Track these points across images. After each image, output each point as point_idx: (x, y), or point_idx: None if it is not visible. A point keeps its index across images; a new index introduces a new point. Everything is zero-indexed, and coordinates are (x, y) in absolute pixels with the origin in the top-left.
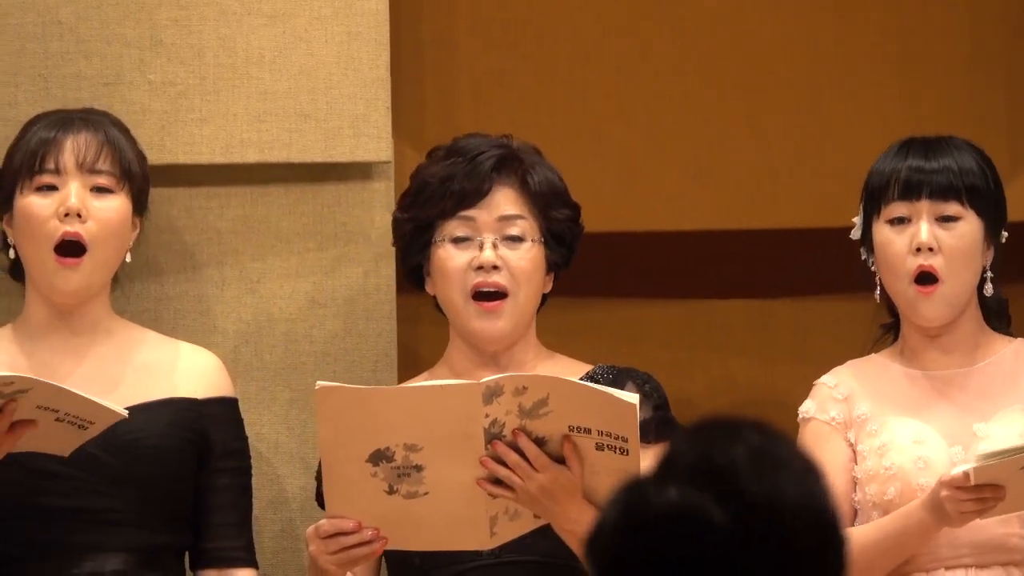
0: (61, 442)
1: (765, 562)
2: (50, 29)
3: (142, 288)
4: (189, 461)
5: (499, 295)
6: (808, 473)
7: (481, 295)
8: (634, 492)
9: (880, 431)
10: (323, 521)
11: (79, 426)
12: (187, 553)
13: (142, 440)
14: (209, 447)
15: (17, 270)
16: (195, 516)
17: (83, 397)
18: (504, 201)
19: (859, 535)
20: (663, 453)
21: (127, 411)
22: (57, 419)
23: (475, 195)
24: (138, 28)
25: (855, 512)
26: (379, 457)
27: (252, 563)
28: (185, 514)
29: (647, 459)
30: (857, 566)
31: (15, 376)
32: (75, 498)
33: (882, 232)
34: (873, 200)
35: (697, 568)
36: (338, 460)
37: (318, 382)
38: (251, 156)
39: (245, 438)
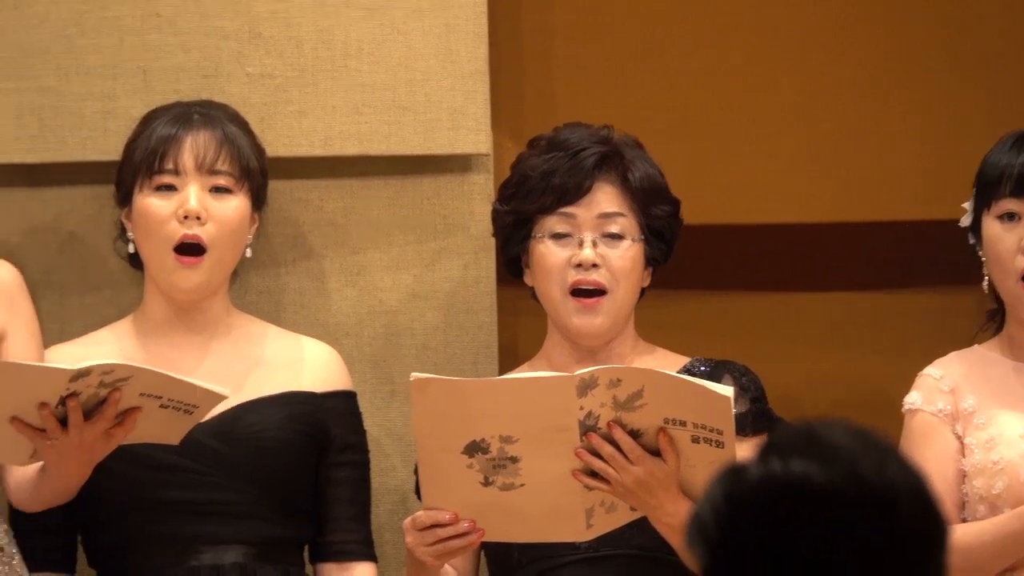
0: (169, 430)
1: (872, 529)
2: (149, 22)
3: (244, 281)
4: (308, 454)
5: (598, 292)
6: (909, 459)
7: (580, 292)
8: (733, 473)
9: (988, 424)
10: (420, 513)
11: (184, 411)
12: (306, 546)
13: (262, 433)
14: (328, 441)
15: (137, 260)
16: (314, 509)
17: (184, 380)
18: (604, 199)
19: (969, 534)
20: (761, 443)
21: (253, 401)
22: (162, 405)
23: (576, 192)
24: (237, 20)
25: (963, 504)
26: (474, 448)
27: (371, 556)
28: (304, 507)
29: (743, 452)
30: (966, 566)
31: (115, 364)
32: (195, 490)
33: (991, 227)
34: (984, 193)
35: (805, 536)
36: (434, 452)
37: (413, 373)
38: (350, 149)
39: (363, 432)
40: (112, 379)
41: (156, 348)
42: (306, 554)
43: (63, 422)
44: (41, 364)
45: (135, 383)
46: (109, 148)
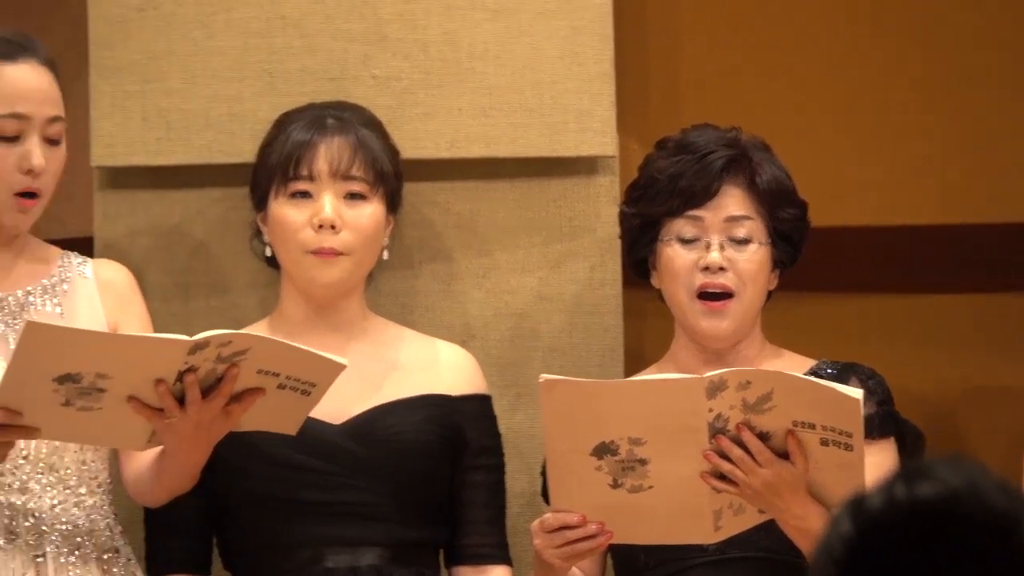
0: (286, 416)
1: (996, 554)
2: (274, 24)
3: (379, 283)
4: (444, 457)
5: (725, 295)
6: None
7: (707, 295)
8: (860, 500)
9: None
10: (548, 515)
11: (302, 392)
12: (441, 549)
13: (398, 436)
14: (463, 444)
15: (274, 260)
16: (450, 512)
17: (303, 349)
18: (732, 202)
19: None
20: (895, 467)
21: (391, 403)
22: (280, 385)
23: (703, 195)
24: (363, 23)
25: None
26: (603, 450)
27: (506, 560)
28: (440, 510)
29: (871, 455)
30: None
31: (233, 334)
32: (331, 492)
33: None
34: None
35: (932, 562)
36: (562, 453)
37: (542, 375)
38: (476, 151)
39: (499, 435)
40: (230, 352)
41: None
42: (440, 557)
43: (181, 401)
44: (158, 335)
45: (253, 357)
46: (235, 150)
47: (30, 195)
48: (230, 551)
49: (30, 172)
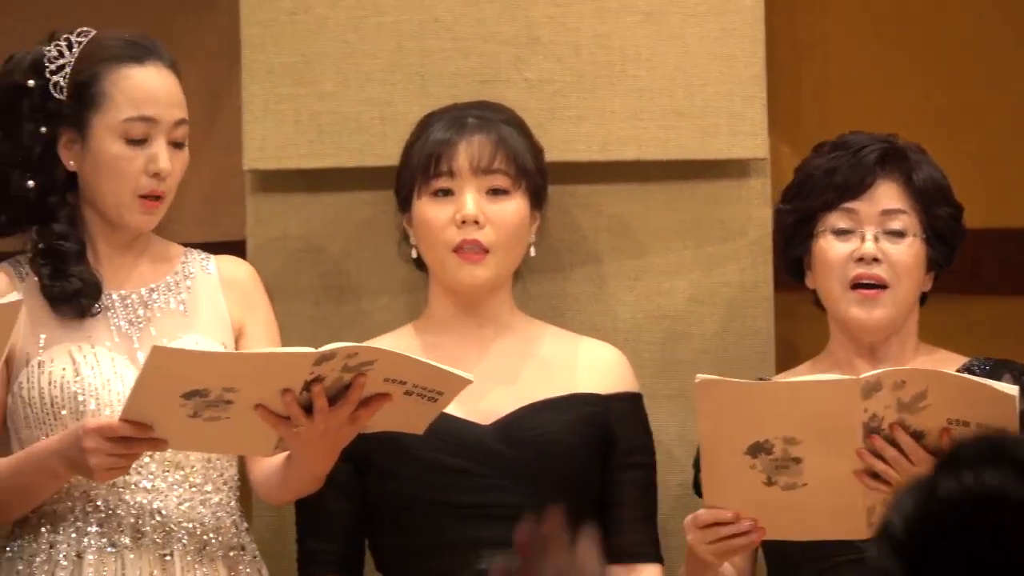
0: (413, 418)
1: None
2: (427, 27)
3: (521, 286)
4: (593, 457)
5: (879, 286)
6: None
7: (860, 285)
8: (924, 487)
9: None
10: (702, 511)
11: (429, 398)
12: None
13: (546, 436)
14: (614, 442)
15: (422, 263)
16: (601, 511)
17: (428, 363)
18: (887, 195)
19: None
20: (943, 455)
21: (539, 403)
22: (406, 392)
23: (858, 187)
24: (515, 26)
25: None
26: (758, 449)
27: (658, 558)
28: (589, 510)
29: None
30: None
31: (359, 346)
32: (481, 494)
33: None
34: None
35: (1001, 548)
36: (717, 452)
37: (698, 375)
38: (628, 153)
39: (650, 433)
40: (356, 363)
41: (442, 345)
42: None
43: (307, 409)
44: (285, 349)
45: (379, 368)
46: (387, 153)
47: (154, 197)
48: (382, 553)
49: (156, 175)
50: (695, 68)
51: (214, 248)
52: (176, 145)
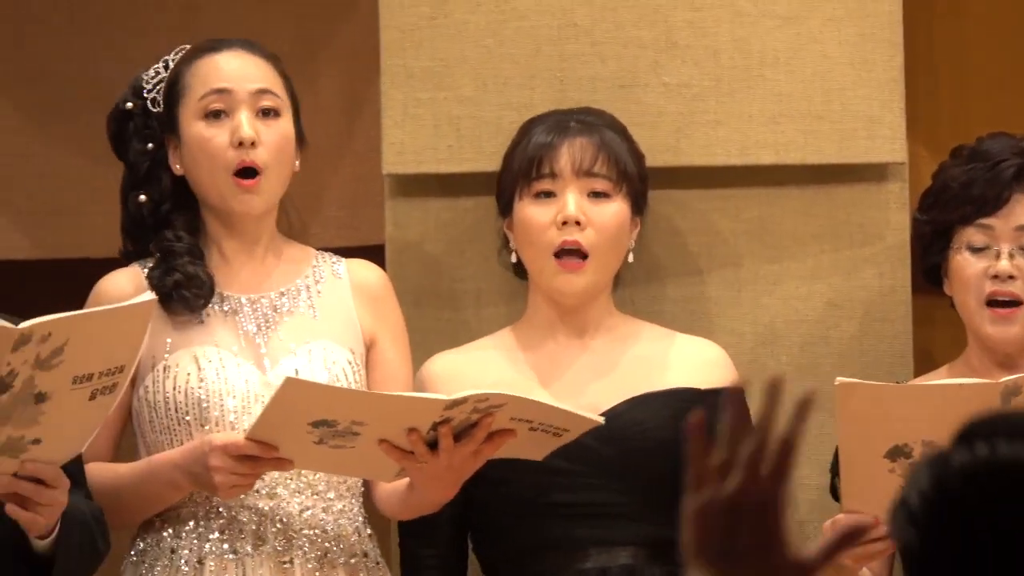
0: (534, 449)
1: None
2: (566, 31)
3: (659, 290)
4: None
5: (1013, 303)
6: None
7: (995, 303)
8: (939, 459)
9: None
10: (840, 515)
11: (553, 434)
12: None
13: (644, 433)
14: (714, 438)
15: (521, 269)
16: None
17: (558, 409)
18: (1023, 211)
19: None
20: (955, 431)
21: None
22: (532, 428)
23: (994, 202)
24: (653, 30)
25: None
26: (897, 453)
27: None
28: None
29: None
30: None
31: (490, 393)
32: (581, 493)
33: None
34: None
35: (1013, 521)
36: (856, 455)
37: (838, 378)
38: (766, 158)
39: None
40: (486, 406)
41: (541, 347)
42: None
43: (431, 445)
44: (417, 395)
45: (508, 410)
46: None
47: (249, 173)
48: (487, 555)
49: (241, 144)
50: (833, 72)
51: (353, 253)
52: (264, 114)
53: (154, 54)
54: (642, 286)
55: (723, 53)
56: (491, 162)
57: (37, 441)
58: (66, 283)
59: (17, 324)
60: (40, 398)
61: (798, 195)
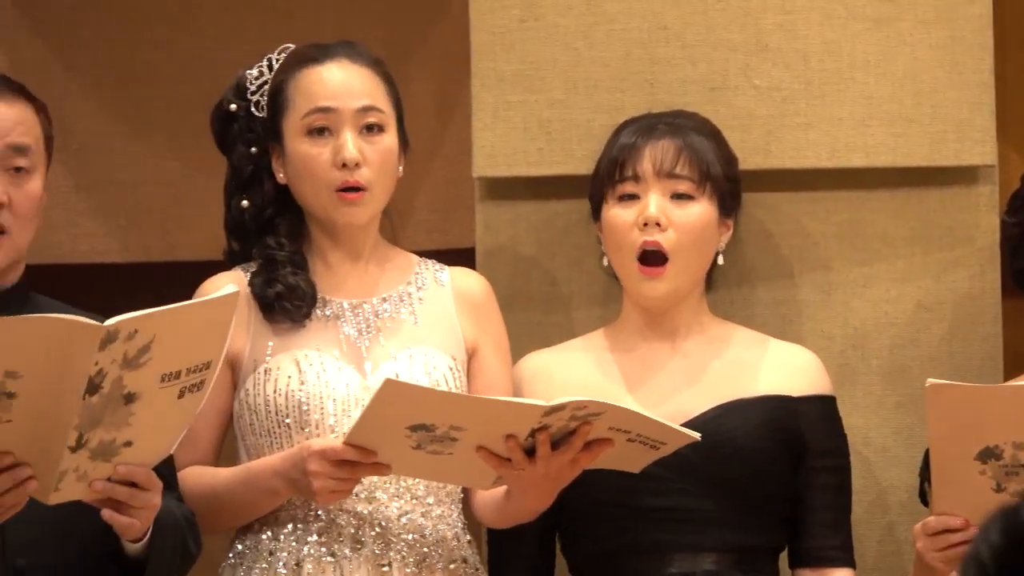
0: (631, 461)
1: None
2: (656, 34)
3: (750, 293)
4: (783, 460)
5: None
6: None
7: None
8: (1009, 512)
9: None
10: (931, 518)
11: (651, 446)
12: (782, 553)
13: (734, 440)
14: (805, 446)
15: (612, 271)
16: (792, 515)
17: (656, 421)
18: None
19: None
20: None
21: (728, 405)
22: (629, 439)
23: None
24: (744, 33)
25: None
26: (988, 455)
27: (850, 563)
28: (779, 513)
29: None
30: None
31: (588, 401)
32: (669, 498)
33: None
34: None
35: None
36: (947, 458)
37: (928, 379)
38: (856, 161)
39: (843, 436)
40: (584, 414)
41: (633, 350)
42: (780, 561)
43: (529, 452)
44: (516, 400)
45: (606, 418)
46: None
47: (353, 189)
48: (574, 556)
49: (345, 166)
50: (924, 75)
51: (443, 256)
52: (368, 130)
53: (248, 58)
54: (734, 288)
55: (813, 56)
56: (581, 165)
57: (128, 443)
58: (155, 286)
59: (103, 323)
60: (130, 399)
61: (888, 198)
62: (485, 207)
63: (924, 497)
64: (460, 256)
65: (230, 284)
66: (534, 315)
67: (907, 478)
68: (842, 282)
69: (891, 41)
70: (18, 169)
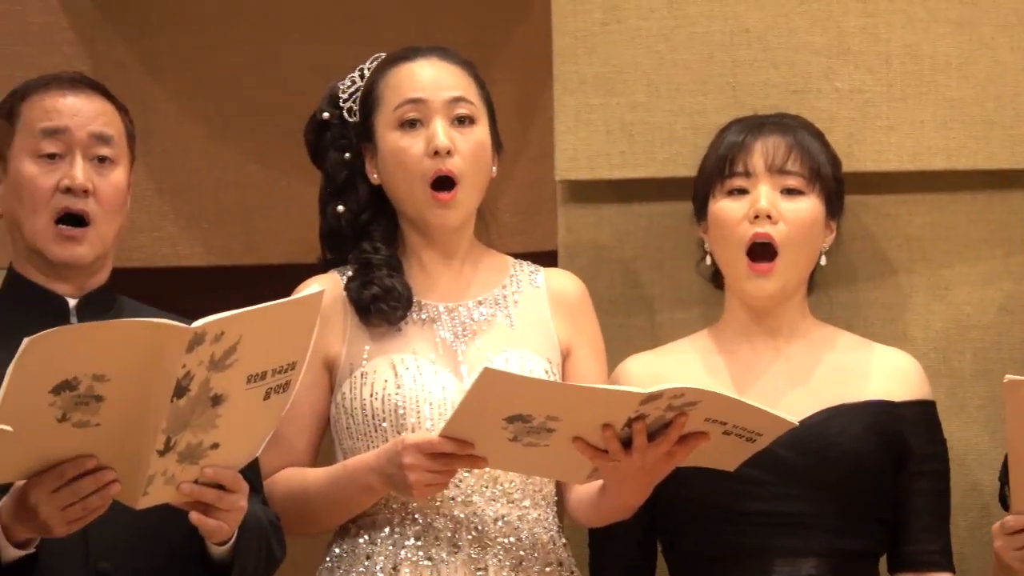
0: (727, 456)
1: None
2: (738, 37)
3: (836, 294)
4: (885, 465)
5: None
6: None
7: None
8: None
9: None
10: (1009, 517)
11: (747, 439)
12: (881, 557)
13: (837, 444)
14: (907, 450)
15: (717, 277)
16: (892, 519)
17: (754, 406)
18: None
19: None
20: None
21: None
22: (725, 432)
23: None
24: (826, 36)
25: None
26: None
27: (949, 567)
28: (880, 518)
29: None
30: None
31: (686, 388)
32: (772, 502)
33: None
34: None
35: None
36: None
37: (1006, 376)
38: (938, 163)
39: (943, 441)
40: (681, 403)
41: (736, 352)
42: (880, 565)
43: (625, 444)
44: (613, 387)
45: (703, 408)
46: (697, 164)
47: (445, 184)
48: (676, 561)
49: (436, 154)
50: (1006, 78)
51: (525, 259)
52: (460, 123)
53: (330, 61)
54: (817, 291)
55: (895, 59)
56: (663, 168)
57: (216, 446)
58: (237, 289)
59: (190, 325)
60: (216, 400)
61: (970, 200)
62: (567, 210)
63: (1004, 501)
64: (542, 259)
65: (315, 284)
66: (616, 318)
67: (989, 481)
68: (923, 285)
69: (973, 44)
70: (101, 160)
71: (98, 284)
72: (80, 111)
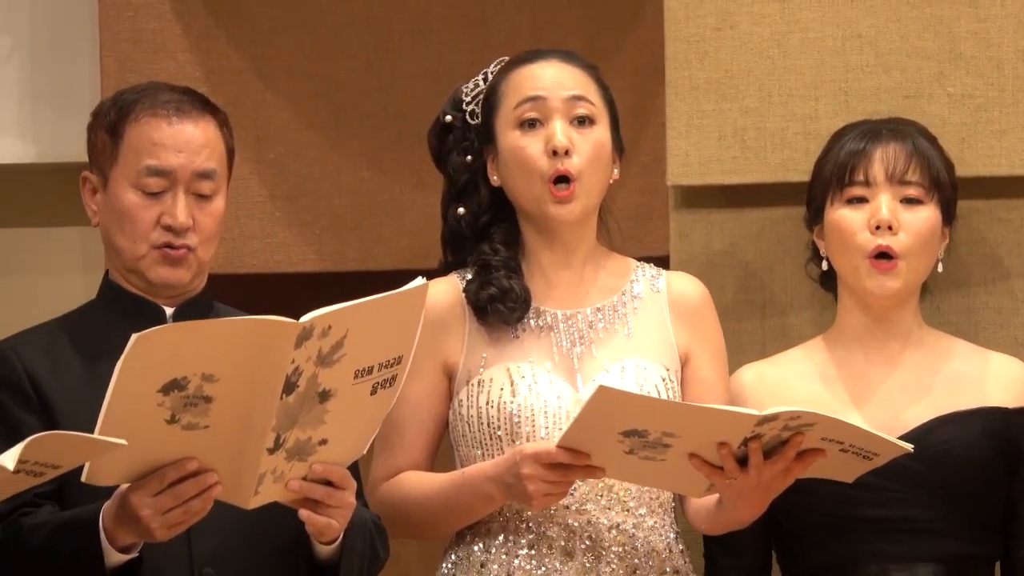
0: (844, 471)
1: None
2: (850, 43)
3: (947, 300)
4: (999, 471)
5: None
6: None
7: None
8: None
9: None
10: None
11: (864, 456)
12: (995, 563)
13: (953, 450)
14: (1020, 457)
15: (828, 281)
16: (1007, 524)
17: (869, 433)
18: None
19: None
20: None
21: (946, 416)
22: (842, 450)
23: None
24: (937, 41)
25: None
26: None
27: None
28: (994, 524)
29: None
30: None
31: (801, 411)
32: (886, 508)
33: None
34: None
35: None
36: None
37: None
38: None
39: None
40: (797, 424)
41: (850, 363)
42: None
43: (741, 461)
44: (729, 408)
45: (819, 429)
46: (810, 169)
47: (563, 182)
48: (791, 566)
49: (555, 154)
50: None
51: None
52: (580, 123)
53: (443, 67)
54: (939, 294)
55: (1007, 63)
56: (776, 173)
57: (324, 442)
58: (350, 295)
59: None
60: (324, 396)
61: None
62: (679, 215)
63: None
64: (654, 264)
65: (420, 277)
66: (728, 323)
67: None
68: None
69: None
70: (202, 195)
71: (196, 290)
72: (185, 146)
